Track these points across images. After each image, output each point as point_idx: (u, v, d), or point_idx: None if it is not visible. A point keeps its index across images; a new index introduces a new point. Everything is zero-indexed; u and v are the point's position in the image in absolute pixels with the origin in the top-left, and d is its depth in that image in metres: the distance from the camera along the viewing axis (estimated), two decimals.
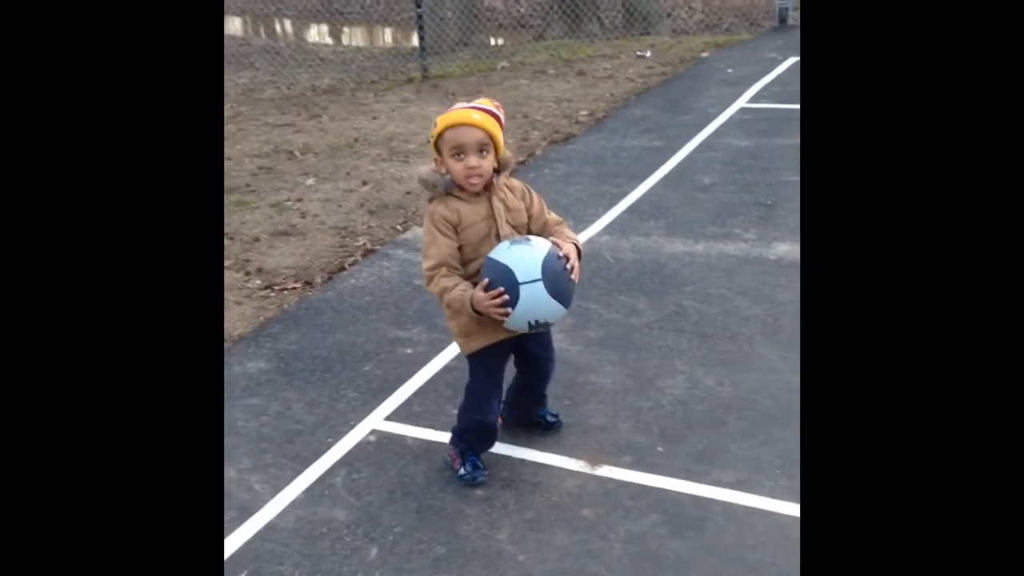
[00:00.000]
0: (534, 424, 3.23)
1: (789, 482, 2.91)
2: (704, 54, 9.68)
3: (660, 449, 3.12)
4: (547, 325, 2.78)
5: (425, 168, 2.81)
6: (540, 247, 2.69)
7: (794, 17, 10.64)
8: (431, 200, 2.82)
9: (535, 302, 2.64)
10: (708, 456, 3.07)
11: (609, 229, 5.05)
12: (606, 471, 3.03)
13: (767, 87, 7.88)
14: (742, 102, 7.43)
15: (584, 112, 7.66)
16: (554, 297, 2.66)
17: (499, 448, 3.15)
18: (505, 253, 2.67)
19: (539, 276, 2.63)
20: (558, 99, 8.25)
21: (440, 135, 2.73)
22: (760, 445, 3.10)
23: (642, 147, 6.52)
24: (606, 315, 4.06)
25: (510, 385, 3.15)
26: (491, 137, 2.71)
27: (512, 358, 3.03)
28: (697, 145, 6.44)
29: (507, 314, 2.65)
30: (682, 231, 4.95)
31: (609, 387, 3.51)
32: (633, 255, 4.69)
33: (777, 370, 3.54)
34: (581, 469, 3.05)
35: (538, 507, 2.89)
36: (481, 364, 2.91)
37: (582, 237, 4.93)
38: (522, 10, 13.82)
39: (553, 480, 3.01)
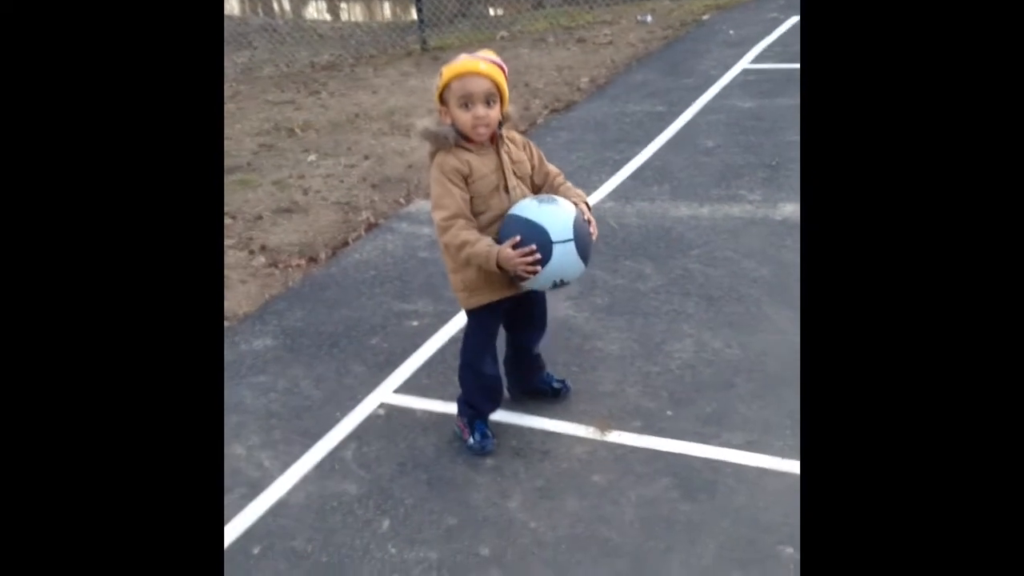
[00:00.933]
0: (541, 392, 3.22)
1: (799, 442, 2.89)
2: (705, 16, 9.58)
3: (669, 413, 3.11)
4: (566, 284, 2.76)
5: (427, 120, 2.77)
6: (568, 207, 2.70)
7: None
8: (435, 152, 2.76)
9: (566, 262, 2.65)
10: (717, 418, 3.06)
11: (613, 195, 5.02)
12: (616, 436, 3.02)
13: (769, 47, 7.80)
14: (744, 63, 7.36)
15: (585, 79, 7.60)
16: (581, 258, 2.68)
17: (508, 417, 3.14)
18: (536, 211, 2.66)
19: (571, 236, 2.64)
20: (559, 67, 8.18)
21: (447, 85, 2.67)
22: (769, 406, 3.09)
23: (644, 112, 6.47)
24: (612, 281, 4.04)
25: (503, 357, 3.13)
26: (497, 87, 2.68)
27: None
28: (700, 108, 6.39)
29: (536, 272, 2.63)
30: (687, 195, 4.91)
31: (617, 353, 3.49)
32: (638, 220, 4.66)
33: (785, 331, 3.52)
34: (591, 435, 3.04)
35: (548, 475, 2.89)
36: (478, 319, 2.92)
37: None
38: None
39: (563, 447, 3.00)
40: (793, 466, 2.80)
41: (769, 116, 6.05)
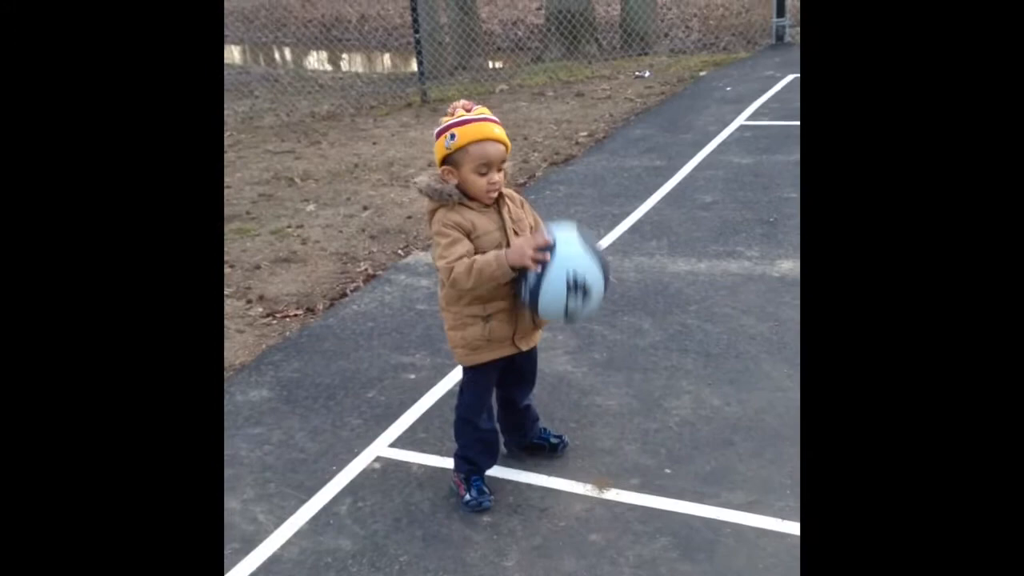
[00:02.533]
0: (539, 447, 3.20)
1: (799, 502, 2.87)
2: (702, 73, 9.70)
3: (668, 471, 3.08)
4: (588, 295, 2.66)
5: (426, 176, 2.74)
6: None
7: (792, 35, 10.67)
8: (435, 209, 2.73)
9: (573, 252, 2.64)
10: (717, 477, 3.03)
11: (611, 250, 5.03)
12: (614, 494, 2.99)
13: (766, 104, 7.88)
14: (742, 120, 7.43)
15: (584, 133, 7.67)
16: (588, 250, 2.67)
17: (505, 473, 3.11)
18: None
19: (575, 229, 2.70)
20: (558, 120, 8.26)
21: (462, 148, 2.65)
22: (769, 465, 3.07)
23: (643, 167, 6.51)
24: (610, 336, 4.03)
25: (496, 414, 3.11)
26: (507, 151, 2.70)
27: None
28: (698, 163, 6.43)
29: (545, 259, 2.60)
30: (685, 250, 4.93)
31: (615, 409, 3.47)
32: (636, 275, 4.66)
33: (784, 388, 3.51)
34: (588, 493, 3.01)
35: (545, 532, 2.85)
36: (475, 374, 2.91)
37: None
38: (520, 33, 13.87)
39: (560, 505, 2.97)
40: (792, 527, 2.77)
41: (766, 172, 6.10)
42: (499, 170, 2.68)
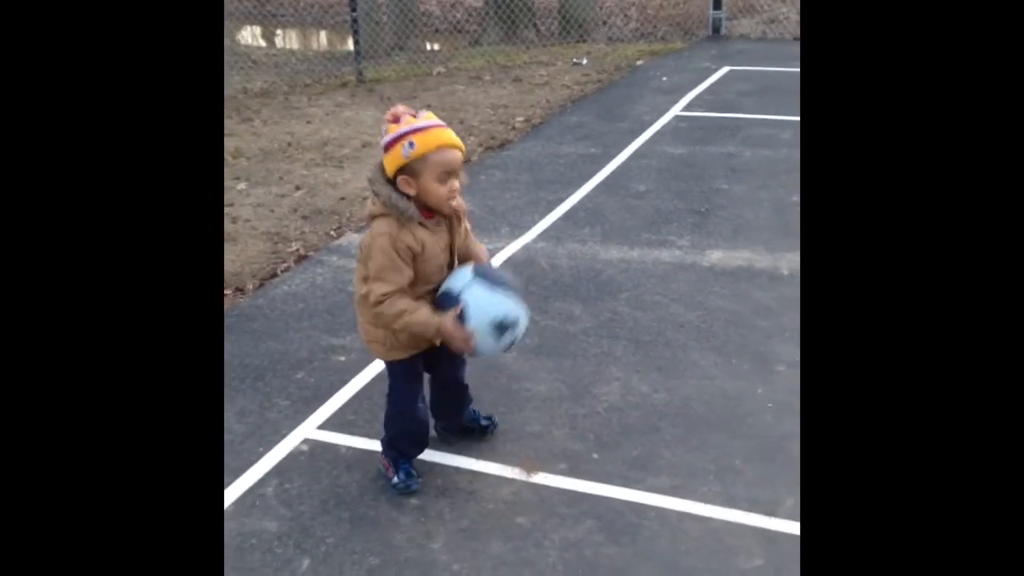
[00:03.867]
0: (469, 430, 3.21)
1: (722, 487, 2.93)
2: (639, 62, 9.76)
3: (595, 456, 3.12)
4: (515, 326, 2.73)
5: (386, 188, 2.63)
6: (463, 267, 2.77)
7: (728, 27, 10.79)
8: (382, 217, 2.66)
9: (482, 301, 2.66)
10: (643, 462, 3.07)
11: (545, 236, 5.05)
12: (541, 478, 3.02)
13: (701, 96, 7.97)
14: (676, 110, 7.51)
15: (520, 118, 7.67)
16: (497, 287, 2.70)
17: (433, 456, 3.12)
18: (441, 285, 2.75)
19: (471, 277, 2.68)
20: (494, 105, 8.25)
21: (422, 156, 2.57)
22: (694, 451, 3.12)
23: (578, 154, 6.54)
24: (542, 322, 4.05)
25: (429, 397, 3.11)
26: (463, 156, 2.67)
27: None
28: (632, 152, 6.48)
29: (472, 350, 2.70)
30: (617, 238, 4.97)
31: (544, 394, 3.50)
32: (569, 262, 4.69)
33: (711, 376, 3.57)
34: (516, 476, 3.03)
35: (473, 515, 2.87)
36: (402, 367, 2.89)
37: (518, 243, 4.93)
38: (458, 15, 13.80)
39: (488, 488, 2.99)
40: (715, 511, 2.83)
41: (699, 163, 6.17)
42: (457, 176, 2.65)
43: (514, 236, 5.03)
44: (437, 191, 2.61)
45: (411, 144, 2.57)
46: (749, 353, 3.73)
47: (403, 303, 2.64)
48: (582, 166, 6.24)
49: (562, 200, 5.59)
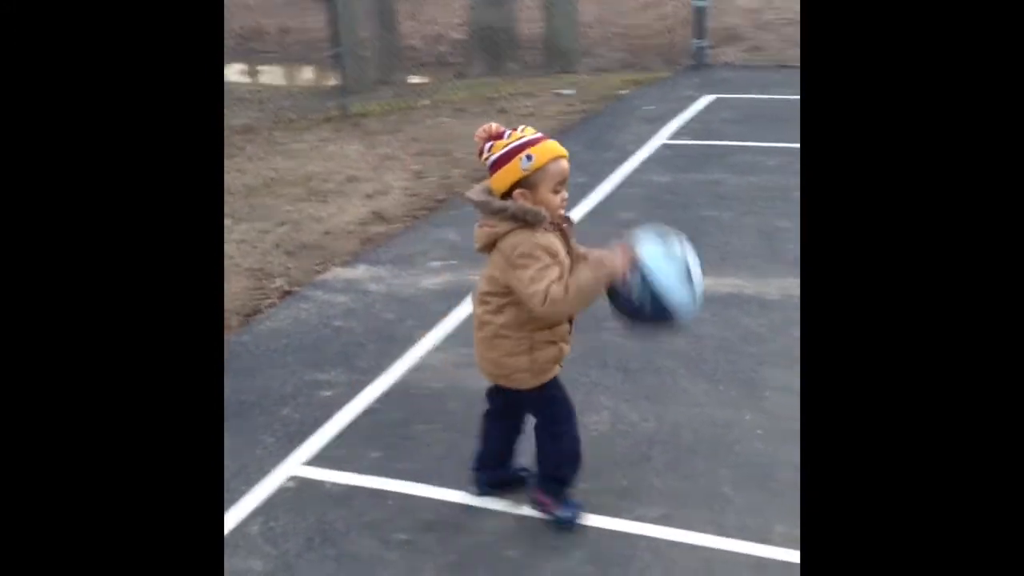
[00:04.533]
0: (507, 483, 3.10)
1: (711, 515, 2.89)
2: (624, 92, 9.80)
3: (585, 486, 3.07)
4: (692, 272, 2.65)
5: (509, 202, 2.60)
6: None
7: (711, 55, 10.86)
8: (508, 232, 2.60)
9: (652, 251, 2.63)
10: (632, 492, 3.04)
11: None
12: (530, 510, 2.97)
13: (686, 124, 7.99)
14: (662, 138, 7.52)
15: None
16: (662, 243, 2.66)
17: (419, 490, 3.08)
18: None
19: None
20: None
21: (541, 168, 2.57)
22: (683, 479, 3.08)
23: None
24: None
25: (488, 448, 3.05)
26: None
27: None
28: (619, 181, 6.49)
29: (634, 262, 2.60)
30: None
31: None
32: None
33: (700, 403, 3.54)
34: (505, 509, 2.99)
35: (462, 549, 2.82)
36: (551, 388, 2.82)
37: None
38: (442, 48, 13.87)
39: (477, 521, 2.94)
40: (705, 539, 2.79)
41: (685, 191, 6.18)
42: (567, 185, 2.65)
43: None
44: (552, 201, 2.61)
45: (529, 157, 2.57)
46: (738, 379, 3.70)
47: (563, 281, 2.56)
48: (569, 196, 6.22)
49: None
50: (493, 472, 3.06)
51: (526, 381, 2.75)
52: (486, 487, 3.06)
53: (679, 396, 3.61)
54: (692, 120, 8.12)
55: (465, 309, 4.30)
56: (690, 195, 6.07)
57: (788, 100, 8.64)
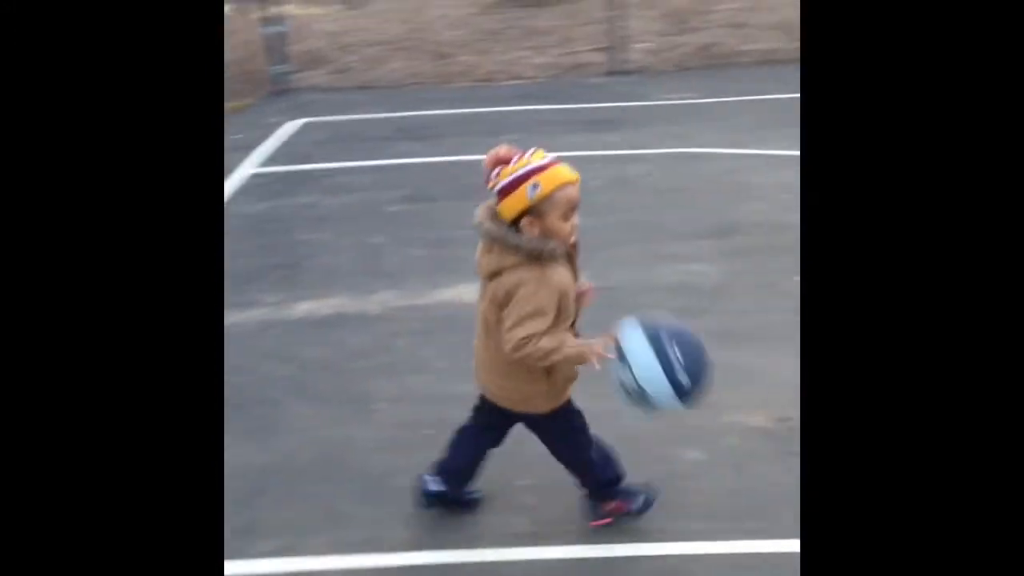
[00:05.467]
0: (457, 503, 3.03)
1: (334, 535, 2.92)
2: None
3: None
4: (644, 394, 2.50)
5: (516, 237, 2.43)
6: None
7: (295, 79, 10.89)
8: (507, 270, 2.45)
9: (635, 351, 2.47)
10: (250, 528, 2.98)
11: None
12: None
13: (277, 150, 7.96)
14: (250, 167, 7.41)
15: None
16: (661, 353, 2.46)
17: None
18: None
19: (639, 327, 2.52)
20: None
21: (548, 196, 2.38)
22: (301, 504, 3.08)
23: None
24: None
25: (456, 462, 2.93)
26: None
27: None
28: None
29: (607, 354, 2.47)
30: None
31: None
32: None
33: (312, 427, 3.55)
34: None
35: None
36: (566, 414, 2.73)
37: None
38: None
39: None
40: (328, 562, 2.81)
41: (282, 217, 6.16)
42: (576, 212, 2.47)
43: None
44: (562, 229, 2.44)
45: (535, 186, 2.39)
46: (347, 397, 3.76)
47: (548, 342, 2.43)
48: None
49: None
50: (453, 487, 2.96)
51: (541, 405, 2.68)
52: (433, 499, 2.97)
53: (289, 423, 3.59)
54: (283, 145, 8.10)
55: None
56: (288, 220, 6.06)
57: (375, 119, 8.91)
